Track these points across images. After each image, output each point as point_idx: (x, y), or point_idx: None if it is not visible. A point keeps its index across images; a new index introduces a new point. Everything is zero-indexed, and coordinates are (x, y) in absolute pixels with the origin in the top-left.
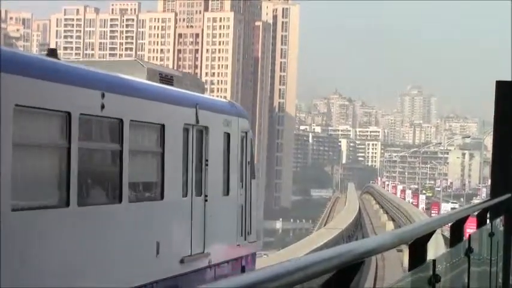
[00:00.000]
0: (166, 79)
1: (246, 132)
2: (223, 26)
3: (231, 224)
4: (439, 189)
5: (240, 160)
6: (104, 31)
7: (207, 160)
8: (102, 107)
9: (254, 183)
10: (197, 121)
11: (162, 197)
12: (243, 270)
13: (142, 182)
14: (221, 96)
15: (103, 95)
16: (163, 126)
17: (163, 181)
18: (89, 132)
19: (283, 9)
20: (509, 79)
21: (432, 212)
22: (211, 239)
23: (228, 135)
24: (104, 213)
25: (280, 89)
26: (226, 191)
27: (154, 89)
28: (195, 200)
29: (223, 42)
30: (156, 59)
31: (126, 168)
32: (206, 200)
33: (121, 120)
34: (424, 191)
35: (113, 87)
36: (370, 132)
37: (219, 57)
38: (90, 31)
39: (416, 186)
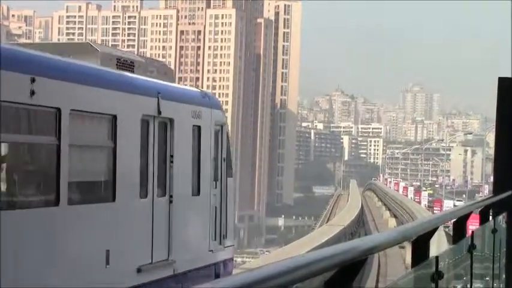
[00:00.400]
0: (125, 65)
1: (222, 126)
2: (225, 23)
3: (202, 227)
4: (437, 186)
5: (214, 156)
6: (106, 28)
7: (172, 156)
8: (32, 93)
9: (231, 181)
10: (159, 112)
11: (113, 199)
12: (217, 277)
13: (88, 181)
14: (222, 94)
15: (33, 80)
16: (114, 117)
17: (115, 180)
18: (13, 122)
19: (285, 6)
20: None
21: (434, 209)
22: (177, 244)
23: (198, 129)
24: (35, 217)
25: (282, 86)
26: (197, 191)
27: (103, 75)
28: (157, 201)
29: (225, 39)
30: (158, 56)
31: (65, 165)
32: (171, 201)
33: (58, 110)
34: (424, 188)
35: (46, 71)
36: (372, 129)
37: (221, 54)
38: (92, 28)
39: (418, 184)
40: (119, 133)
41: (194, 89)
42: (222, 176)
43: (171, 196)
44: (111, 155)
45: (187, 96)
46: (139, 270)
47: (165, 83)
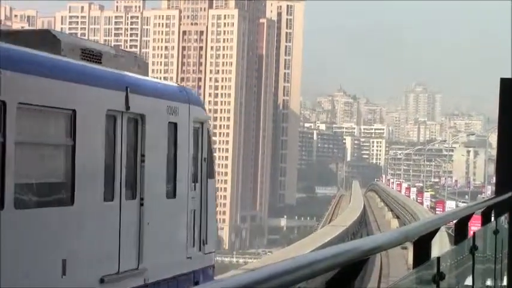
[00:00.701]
0: (91, 56)
1: (202, 123)
2: (228, 23)
3: (179, 233)
4: (438, 187)
5: (193, 156)
6: (109, 28)
7: (143, 155)
8: None
9: (212, 183)
10: (127, 107)
11: (71, 202)
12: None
13: (40, 182)
14: (225, 94)
15: None
16: (74, 112)
17: (74, 181)
18: None
19: (287, 6)
20: None
21: (437, 210)
22: (149, 251)
23: (174, 126)
24: None
25: (284, 86)
26: (172, 193)
27: (61, 65)
28: (125, 205)
29: (227, 39)
30: (161, 56)
31: (11, 164)
32: (142, 204)
33: (3, 103)
34: (426, 190)
35: None
36: (375, 129)
37: (223, 55)
38: (94, 28)
39: (421, 185)
40: (78, 130)
41: (170, 83)
42: (202, 178)
43: (142, 199)
44: (69, 154)
45: (162, 91)
46: (102, 281)
47: (135, 75)
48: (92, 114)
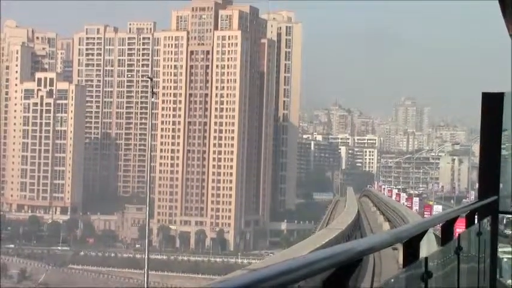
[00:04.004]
0: None
1: None
2: (232, 43)
3: None
4: (425, 195)
5: None
6: (123, 49)
7: None
8: None
9: None
10: None
11: None
12: None
13: None
14: (229, 109)
15: None
16: None
17: None
18: None
19: (286, 27)
20: (495, 91)
21: (425, 213)
22: None
23: None
24: None
25: (284, 101)
26: None
27: None
28: None
29: (231, 58)
30: (170, 74)
31: None
32: None
33: None
34: (426, 201)
35: None
36: (367, 140)
37: (227, 72)
38: (109, 49)
39: (417, 192)
40: None
41: None
42: None
43: None
44: None
45: None
46: None
47: None
48: None
